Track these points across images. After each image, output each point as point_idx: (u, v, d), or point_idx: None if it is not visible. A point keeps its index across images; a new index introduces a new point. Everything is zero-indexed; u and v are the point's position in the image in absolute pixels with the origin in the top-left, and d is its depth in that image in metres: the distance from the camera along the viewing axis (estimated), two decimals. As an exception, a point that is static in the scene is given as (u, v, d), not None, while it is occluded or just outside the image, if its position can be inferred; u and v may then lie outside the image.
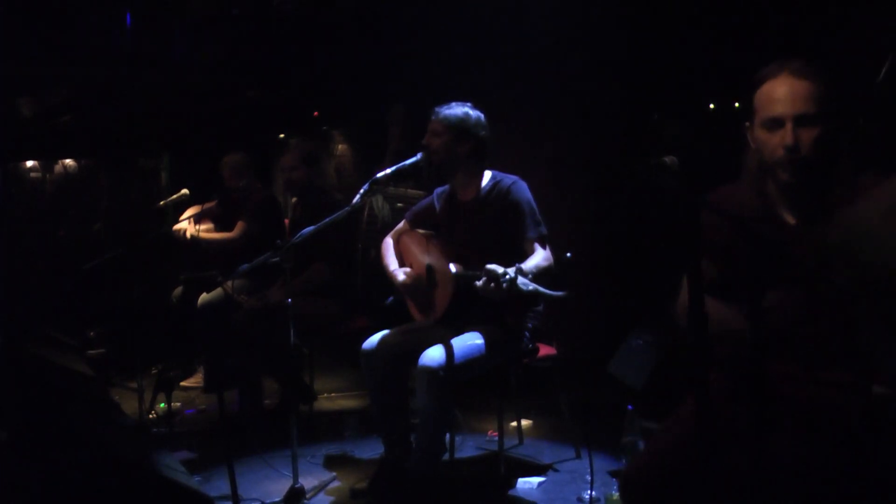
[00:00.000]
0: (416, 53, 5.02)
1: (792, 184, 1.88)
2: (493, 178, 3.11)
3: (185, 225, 4.54)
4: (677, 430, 1.90)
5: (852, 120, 1.82)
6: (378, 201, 4.91)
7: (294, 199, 4.51)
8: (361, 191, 3.00)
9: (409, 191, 4.66)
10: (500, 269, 2.51)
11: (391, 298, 3.06)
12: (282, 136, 6.95)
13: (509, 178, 3.07)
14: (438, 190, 3.29)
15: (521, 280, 2.52)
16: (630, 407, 2.98)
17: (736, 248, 1.89)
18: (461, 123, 3.02)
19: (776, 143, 1.86)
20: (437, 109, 3.07)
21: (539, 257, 2.92)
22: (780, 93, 1.85)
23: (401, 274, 3.15)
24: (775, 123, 1.86)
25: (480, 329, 2.99)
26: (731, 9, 3.58)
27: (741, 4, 3.57)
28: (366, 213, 5.00)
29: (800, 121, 1.84)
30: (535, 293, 2.53)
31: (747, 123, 1.96)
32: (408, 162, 3.04)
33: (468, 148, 3.04)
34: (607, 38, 4.17)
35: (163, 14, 5.32)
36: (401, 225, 3.36)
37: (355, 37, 5.47)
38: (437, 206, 3.25)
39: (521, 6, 4.40)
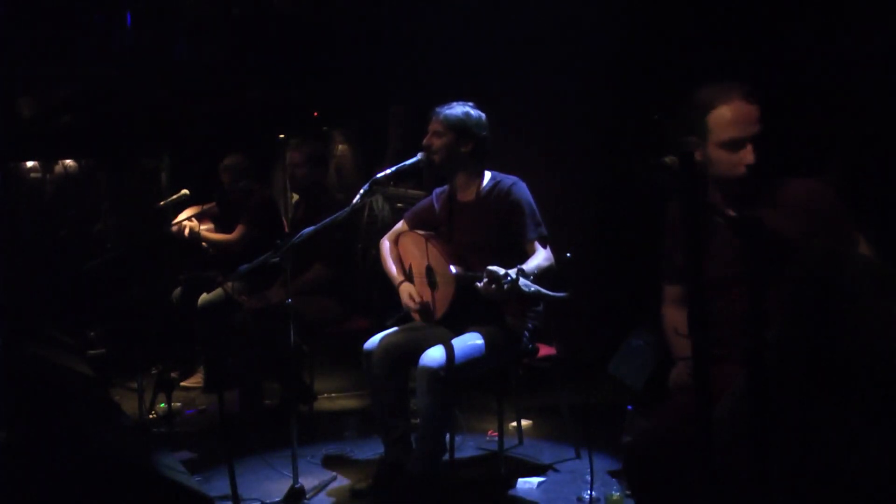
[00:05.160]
0: (417, 53, 5.02)
1: (742, 194, 2.11)
2: (492, 178, 3.10)
3: (186, 220, 4.53)
4: (680, 404, 1.94)
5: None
6: (378, 201, 4.90)
7: (296, 198, 4.51)
8: (361, 191, 3.00)
9: (409, 191, 4.66)
10: (502, 271, 2.51)
11: (394, 318, 3.08)
12: (282, 136, 6.94)
13: (509, 179, 3.07)
14: (437, 190, 3.28)
15: (522, 281, 2.51)
16: (630, 407, 2.97)
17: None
18: (462, 123, 3.02)
19: (736, 161, 2.08)
20: (437, 109, 3.06)
21: (540, 258, 2.91)
22: (740, 116, 2.07)
23: (405, 295, 3.15)
24: (735, 144, 2.07)
25: (480, 329, 2.98)
26: (732, 9, 3.58)
27: (741, 5, 3.57)
28: (366, 213, 5.00)
29: (753, 140, 2.07)
30: (536, 294, 2.53)
31: (693, 138, 2.14)
32: (408, 162, 3.04)
33: (469, 148, 3.04)
34: (608, 39, 4.17)
35: (163, 14, 5.33)
36: (399, 225, 3.35)
37: (355, 37, 5.48)
38: (437, 207, 3.24)
39: (522, 6, 4.41)
